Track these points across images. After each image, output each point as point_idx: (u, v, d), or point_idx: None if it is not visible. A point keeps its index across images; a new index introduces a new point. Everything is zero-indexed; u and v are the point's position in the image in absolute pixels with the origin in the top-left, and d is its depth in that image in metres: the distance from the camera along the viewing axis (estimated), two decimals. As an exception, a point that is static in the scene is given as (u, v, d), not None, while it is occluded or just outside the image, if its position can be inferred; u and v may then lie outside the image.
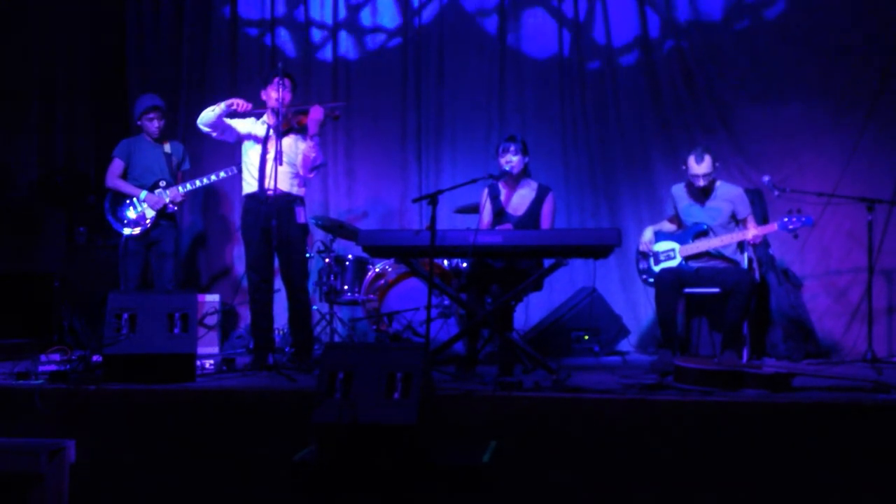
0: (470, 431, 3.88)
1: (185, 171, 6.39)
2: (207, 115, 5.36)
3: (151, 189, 6.12)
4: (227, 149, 6.09)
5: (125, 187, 6.14)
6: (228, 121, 5.45)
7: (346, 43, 7.61)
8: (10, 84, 6.94)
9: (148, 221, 6.09)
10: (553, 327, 6.35)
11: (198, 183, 6.18)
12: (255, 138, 5.45)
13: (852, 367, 5.43)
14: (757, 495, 3.65)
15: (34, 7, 7.09)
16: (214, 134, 5.47)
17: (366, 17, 7.61)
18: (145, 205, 6.08)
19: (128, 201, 6.10)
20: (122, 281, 6.10)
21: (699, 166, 5.39)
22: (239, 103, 5.35)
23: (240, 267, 7.37)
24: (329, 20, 7.63)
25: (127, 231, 6.07)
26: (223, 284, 7.43)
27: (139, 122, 6.28)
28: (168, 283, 6.16)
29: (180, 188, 6.17)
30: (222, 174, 6.14)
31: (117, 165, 6.19)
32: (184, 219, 7.46)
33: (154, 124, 6.23)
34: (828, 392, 4.11)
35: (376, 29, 7.60)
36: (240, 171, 5.87)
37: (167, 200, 6.11)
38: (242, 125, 5.49)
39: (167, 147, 6.30)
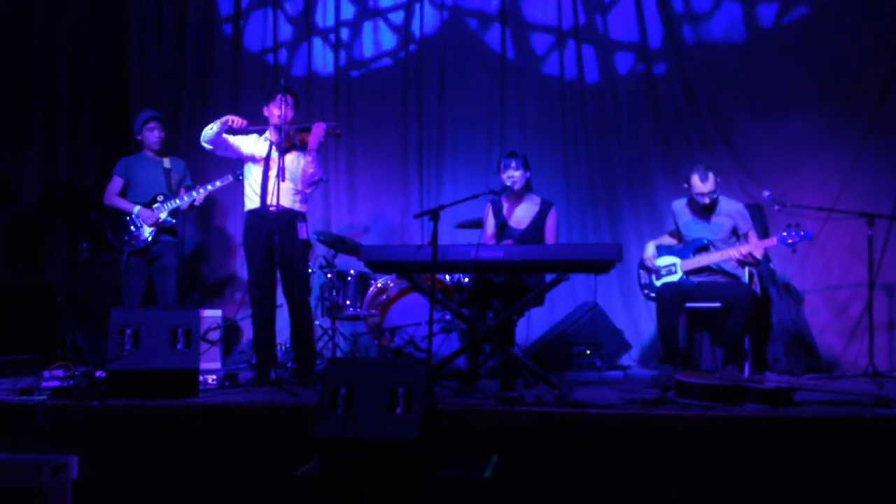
0: (471, 446, 3.88)
1: (186, 187, 6.39)
2: (207, 133, 5.40)
3: (149, 205, 6.14)
4: (229, 163, 6.11)
5: (122, 204, 6.15)
6: (231, 140, 5.49)
7: (347, 58, 7.66)
8: (13, 98, 6.97)
9: (147, 236, 6.10)
10: (555, 342, 6.35)
11: (194, 194, 6.15)
12: (257, 160, 5.47)
13: (853, 381, 5.42)
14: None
15: (37, 22, 7.13)
16: (218, 151, 5.52)
17: (367, 33, 7.66)
18: (141, 220, 6.09)
19: (127, 218, 6.12)
20: (125, 297, 6.11)
21: (704, 185, 5.40)
22: (234, 119, 5.38)
23: (243, 276, 7.41)
24: (331, 35, 7.68)
25: (128, 248, 6.09)
26: (223, 299, 7.44)
27: (139, 136, 6.29)
28: (170, 298, 6.16)
29: (178, 201, 6.17)
30: (217, 183, 6.12)
31: (116, 183, 6.21)
32: (185, 233, 7.48)
33: (154, 134, 6.25)
34: (829, 406, 4.10)
35: (378, 44, 7.65)
36: (235, 179, 5.89)
37: (162, 216, 6.12)
38: (245, 146, 5.51)
39: (167, 162, 6.30)
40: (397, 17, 7.61)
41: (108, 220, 6.17)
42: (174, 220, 6.24)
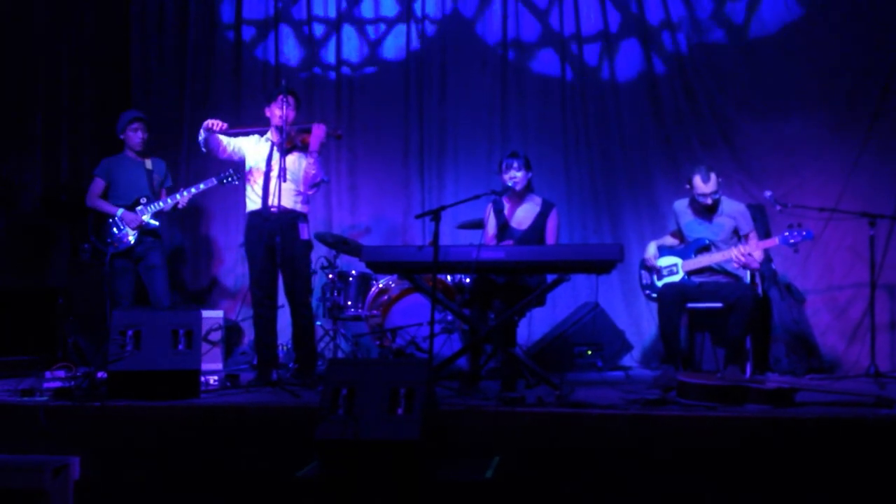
0: (473, 447, 3.88)
1: (168, 188, 6.36)
2: (199, 140, 5.46)
3: (132, 207, 6.11)
4: (229, 165, 6.11)
5: (104, 206, 6.12)
6: (231, 143, 5.52)
7: (349, 59, 7.66)
8: (15, 102, 6.97)
9: (131, 239, 6.08)
10: (556, 342, 6.35)
11: (178, 197, 6.11)
12: (259, 167, 5.48)
13: (855, 382, 5.42)
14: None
15: (38, 25, 7.13)
16: (219, 156, 5.57)
17: (368, 35, 7.66)
18: (124, 223, 6.07)
19: (109, 220, 6.09)
20: (110, 299, 6.05)
21: (706, 185, 5.39)
22: (214, 123, 5.40)
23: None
24: (332, 37, 7.68)
25: (111, 250, 6.04)
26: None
27: (122, 136, 6.25)
28: (163, 295, 6.14)
29: (161, 203, 6.12)
30: (202, 186, 6.07)
31: (98, 185, 6.19)
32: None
33: (138, 135, 6.22)
34: (831, 407, 4.10)
35: (378, 46, 7.65)
36: (219, 182, 5.88)
37: (145, 218, 6.09)
38: (250, 156, 5.53)
39: (148, 163, 6.27)
40: (399, 20, 7.60)
41: (90, 221, 6.15)
42: (158, 223, 6.20)
